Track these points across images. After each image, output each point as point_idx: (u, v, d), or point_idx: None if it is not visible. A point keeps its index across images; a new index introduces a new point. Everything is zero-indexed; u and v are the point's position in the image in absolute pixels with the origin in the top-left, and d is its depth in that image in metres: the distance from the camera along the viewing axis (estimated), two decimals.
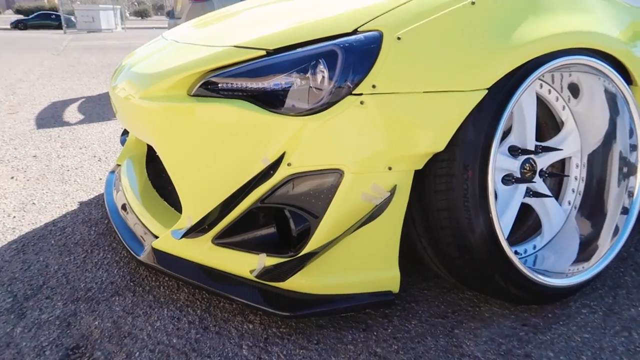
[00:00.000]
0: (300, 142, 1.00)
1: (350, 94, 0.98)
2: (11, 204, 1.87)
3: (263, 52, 1.06)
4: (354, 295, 1.11)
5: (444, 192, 1.06)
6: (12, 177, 2.16)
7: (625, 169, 1.29)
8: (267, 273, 1.06)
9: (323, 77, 1.00)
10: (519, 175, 1.25)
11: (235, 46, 1.12)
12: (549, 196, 1.31)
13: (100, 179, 2.17)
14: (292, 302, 1.09)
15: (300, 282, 1.09)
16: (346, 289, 1.10)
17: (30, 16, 26.54)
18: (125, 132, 1.96)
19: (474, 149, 1.03)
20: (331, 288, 1.10)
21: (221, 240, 1.13)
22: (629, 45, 1.22)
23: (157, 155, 1.23)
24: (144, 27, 25.79)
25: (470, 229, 1.06)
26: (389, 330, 1.15)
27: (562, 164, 1.40)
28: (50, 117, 3.39)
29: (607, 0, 1.24)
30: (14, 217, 1.76)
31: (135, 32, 18.95)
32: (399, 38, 0.99)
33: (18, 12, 37.91)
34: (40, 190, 2.01)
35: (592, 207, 1.35)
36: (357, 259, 1.09)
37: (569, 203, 1.39)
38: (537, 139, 1.28)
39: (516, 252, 1.30)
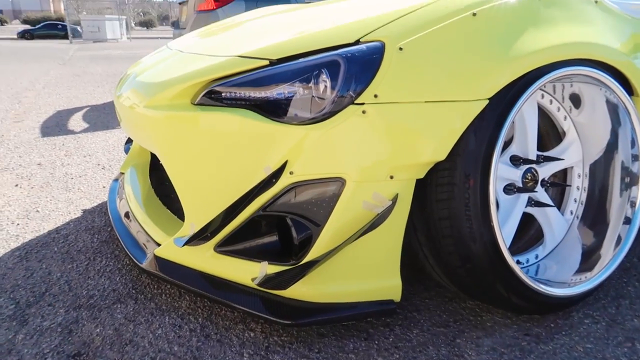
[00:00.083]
0: (302, 151, 1.00)
1: (353, 103, 0.99)
2: (15, 211, 1.88)
3: (266, 62, 1.07)
4: (355, 304, 1.11)
5: (446, 201, 1.06)
6: (17, 185, 2.18)
7: (627, 179, 1.29)
8: (269, 281, 1.06)
9: (325, 86, 1.01)
10: (521, 185, 1.25)
11: (238, 56, 1.13)
12: (551, 206, 1.31)
13: (104, 187, 2.18)
14: (294, 311, 1.09)
15: (301, 290, 1.09)
16: (348, 297, 1.10)
17: (37, 26, 26.80)
18: (129, 141, 1.97)
19: (475, 159, 1.04)
20: (333, 296, 1.10)
21: (223, 248, 1.13)
22: (630, 57, 1.22)
23: (161, 164, 1.24)
24: (149, 37, 26.00)
25: (472, 238, 1.06)
26: (391, 339, 1.15)
27: (564, 173, 1.40)
28: (55, 125, 3.42)
29: (608, 11, 1.25)
30: (18, 224, 1.77)
31: (141, 42, 19.11)
32: (400, 48, 1.00)
33: (25, 22, 38.34)
34: (44, 198, 2.03)
35: (595, 216, 1.35)
36: (358, 268, 1.09)
37: (571, 213, 1.39)
38: (538, 149, 1.28)
39: (518, 262, 1.30)
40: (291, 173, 1.02)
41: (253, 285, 1.10)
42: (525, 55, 1.04)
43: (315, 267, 1.05)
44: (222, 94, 1.08)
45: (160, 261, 1.22)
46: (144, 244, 1.33)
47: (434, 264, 1.15)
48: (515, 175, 1.24)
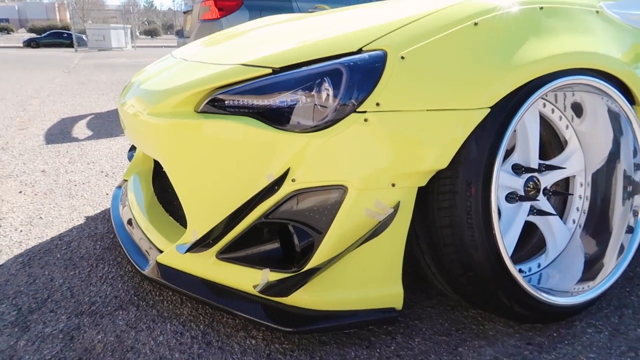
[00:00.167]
0: (304, 158, 1.01)
1: (355, 111, 0.99)
2: (18, 217, 1.89)
3: (269, 70, 1.08)
4: (357, 312, 1.10)
5: (448, 209, 1.06)
6: (21, 192, 2.19)
7: (629, 188, 1.29)
8: (271, 288, 1.07)
9: (328, 94, 1.01)
10: (523, 193, 1.25)
11: (242, 64, 1.14)
12: (553, 214, 1.31)
13: (107, 194, 2.19)
14: (295, 318, 1.09)
15: (303, 298, 1.09)
16: (349, 305, 1.10)
17: (43, 35, 27.05)
18: (132, 148, 1.98)
19: (477, 167, 1.04)
20: (334, 304, 1.10)
21: (225, 255, 1.14)
22: (632, 66, 1.23)
23: (164, 171, 1.25)
24: (153, 45, 26.21)
25: (474, 246, 1.06)
26: (392, 348, 1.15)
27: (566, 182, 1.40)
28: (60, 133, 3.44)
29: (609, 21, 1.26)
30: (21, 230, 1.77)
31: (145, 51, 19.26)
32: (402, 57, 1.01)
33: (31, 30, 38.70)
34: (47, 205, 2.04)
35: (597, 225, 1.35)
36: (360, 275, 1.09)
37: (574, 221, 1.39)
38: (540, 158, 1.28)
39: (520, 270, 1.30)
40: (293, 180, 1.02)
41: (255, 292, 1.10)
42: (527, 64, 1.05)
43: (317, 275, 1.05)
44: (225, 102, 1.09)
45: (162, 268, 1.22)
46: (146, 251, 1.34)
47: (435, 272, 1.15)
48: (517, 183, 1.24)
